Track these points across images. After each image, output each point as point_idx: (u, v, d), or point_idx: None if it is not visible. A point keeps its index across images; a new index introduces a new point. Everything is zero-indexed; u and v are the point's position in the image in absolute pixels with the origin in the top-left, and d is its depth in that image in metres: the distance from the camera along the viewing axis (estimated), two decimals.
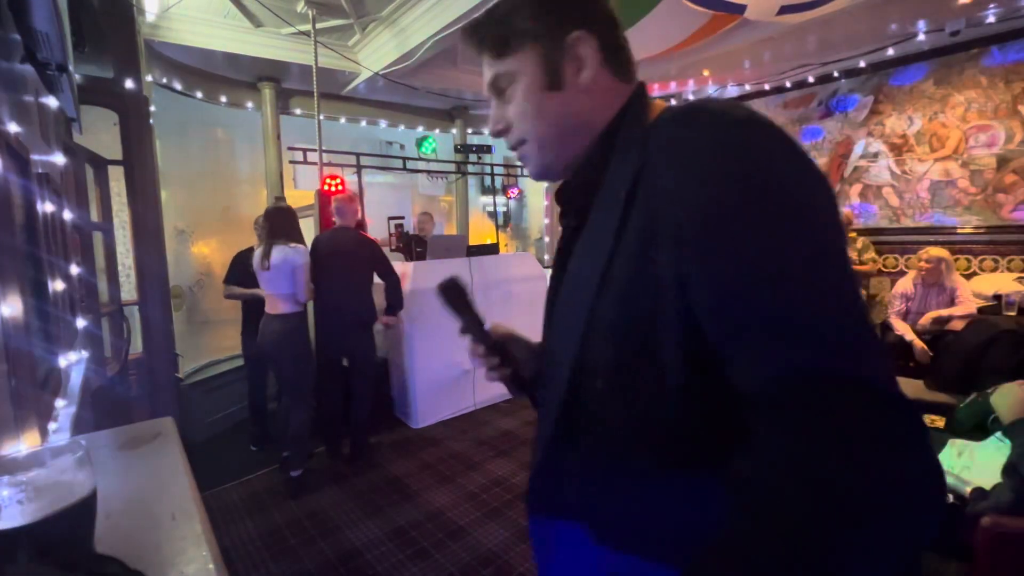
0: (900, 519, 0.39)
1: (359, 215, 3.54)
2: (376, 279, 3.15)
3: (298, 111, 4.56)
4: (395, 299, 3.20)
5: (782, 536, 0.39)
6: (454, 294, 0.75)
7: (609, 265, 0.57)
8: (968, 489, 1.49)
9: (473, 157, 5.50)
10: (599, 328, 0.58)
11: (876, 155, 4.64)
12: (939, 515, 0.40)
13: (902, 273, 4.39)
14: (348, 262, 3.04)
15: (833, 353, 0.43)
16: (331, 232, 3.15)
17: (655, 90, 5.59)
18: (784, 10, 3.00)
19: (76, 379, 1.56)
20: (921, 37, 4.18)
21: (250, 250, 3.34)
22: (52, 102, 1.67)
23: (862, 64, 4.59)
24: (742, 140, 0.50)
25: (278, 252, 2.73)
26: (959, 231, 4.24)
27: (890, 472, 0.39)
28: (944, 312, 3.31)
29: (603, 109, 0.64)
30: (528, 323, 4.07)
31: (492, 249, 4.23)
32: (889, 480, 0.39)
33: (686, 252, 0.49)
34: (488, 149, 5.46)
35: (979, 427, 1.84)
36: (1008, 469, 1.38)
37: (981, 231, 4.13)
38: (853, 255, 4.21)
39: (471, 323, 0.75)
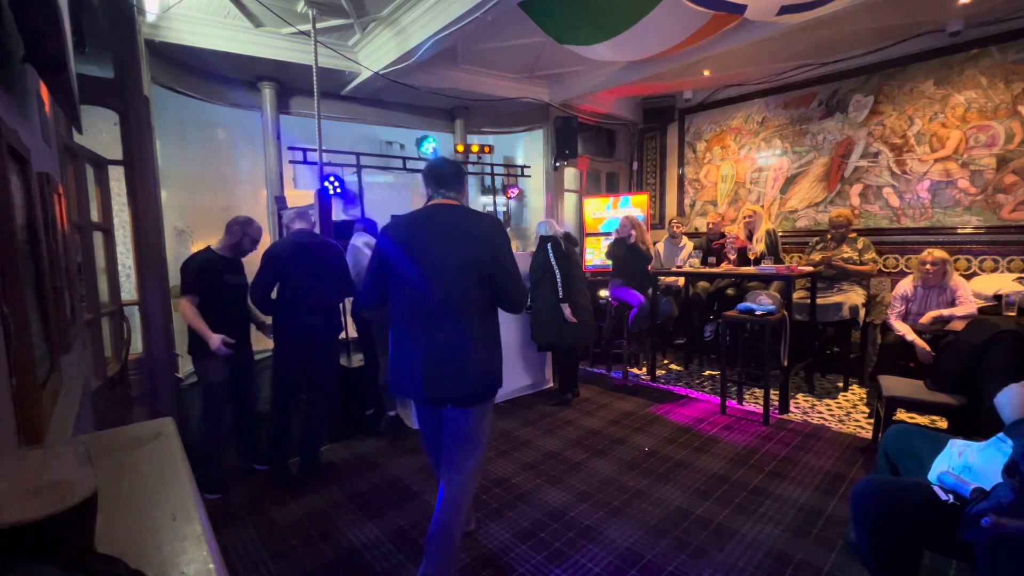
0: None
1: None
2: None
3: (298, 111, 4.56)
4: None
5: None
6: None
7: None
8: (968, 489, 1.49)
9: (473, 157, 5.50)
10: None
11: (876, 155, 4.64)
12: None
13: (902, 273, 4.39)
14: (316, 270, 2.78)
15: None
16: (293, 235, 2.84)
17: (655, 90, 5.59)
18: (784, 10, 3.00)
19: (76, 379, 1.56)
20: (921, 37, 4.19)
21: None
22: (52, 102, 1.67)
23: (862, 64, 4.59)
24: None
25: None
26: (959, 231, 4.24)
27: None
28: (945, 312, 3.31)
29: None
30: (528, 321, 4.06)
31: None
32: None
33: None
34: (488, 149, 5.46)
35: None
36: (1009, 468, 1.38)
37: (981, 231, 4.14)
38: (853, 255, 4.22)
39: None
